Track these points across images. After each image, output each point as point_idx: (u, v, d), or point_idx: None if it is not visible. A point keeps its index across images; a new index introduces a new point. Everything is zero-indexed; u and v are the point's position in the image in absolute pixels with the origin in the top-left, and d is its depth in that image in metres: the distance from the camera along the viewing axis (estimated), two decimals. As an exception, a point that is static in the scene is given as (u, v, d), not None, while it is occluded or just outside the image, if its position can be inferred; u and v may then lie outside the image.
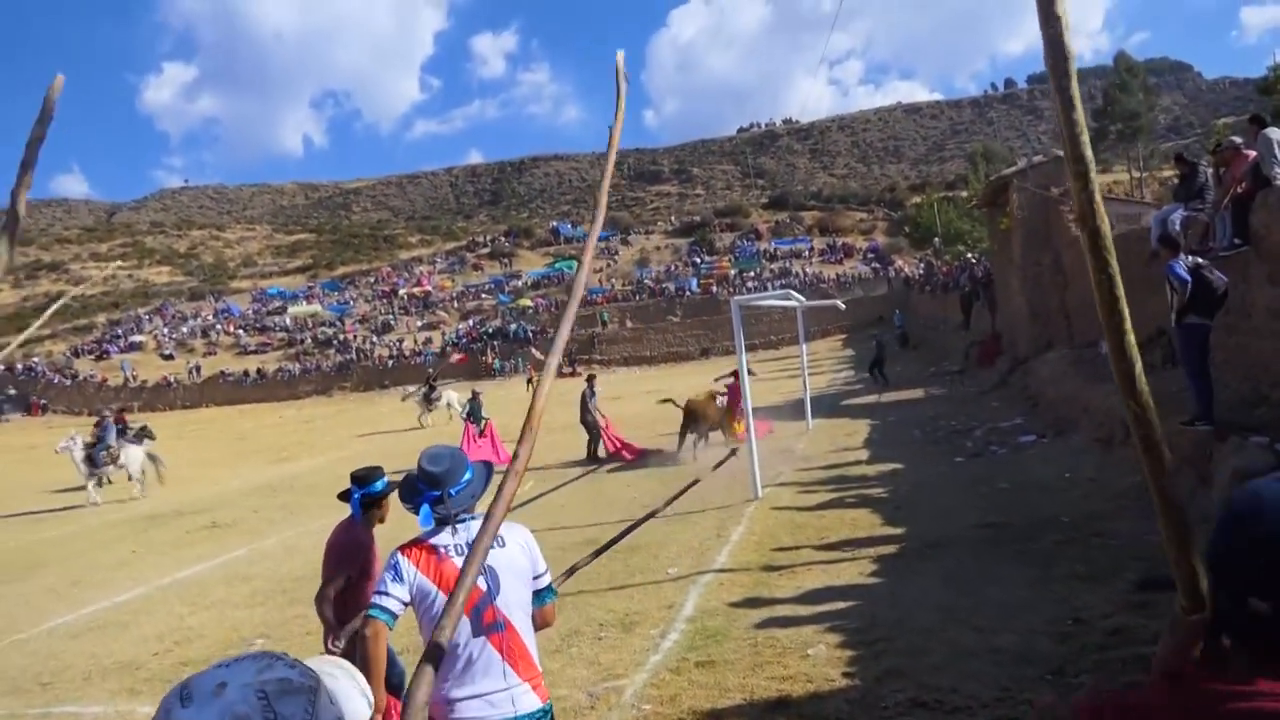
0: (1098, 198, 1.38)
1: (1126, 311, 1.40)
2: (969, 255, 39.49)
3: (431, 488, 3.00)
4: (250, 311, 70.19)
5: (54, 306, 5.18)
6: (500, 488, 2.03)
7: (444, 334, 58.00)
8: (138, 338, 64.91)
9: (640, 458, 15.84)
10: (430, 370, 29.73)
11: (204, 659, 6.96)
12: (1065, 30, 1.37)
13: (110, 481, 18.69)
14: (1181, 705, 1.13)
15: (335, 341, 59.64)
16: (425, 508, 3.00)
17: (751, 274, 59.11)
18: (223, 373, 55.15)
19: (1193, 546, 1.38)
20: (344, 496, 4.75)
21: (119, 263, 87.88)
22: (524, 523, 3.14)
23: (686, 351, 49.85)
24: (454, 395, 29.03)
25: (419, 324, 62.00)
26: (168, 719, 1.14)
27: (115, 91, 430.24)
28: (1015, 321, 20.08)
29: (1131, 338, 1.39)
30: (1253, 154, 9.30)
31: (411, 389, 30.57)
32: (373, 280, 75.96)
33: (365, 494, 4.64)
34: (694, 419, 15.31)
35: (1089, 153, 1.40)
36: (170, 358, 60.34)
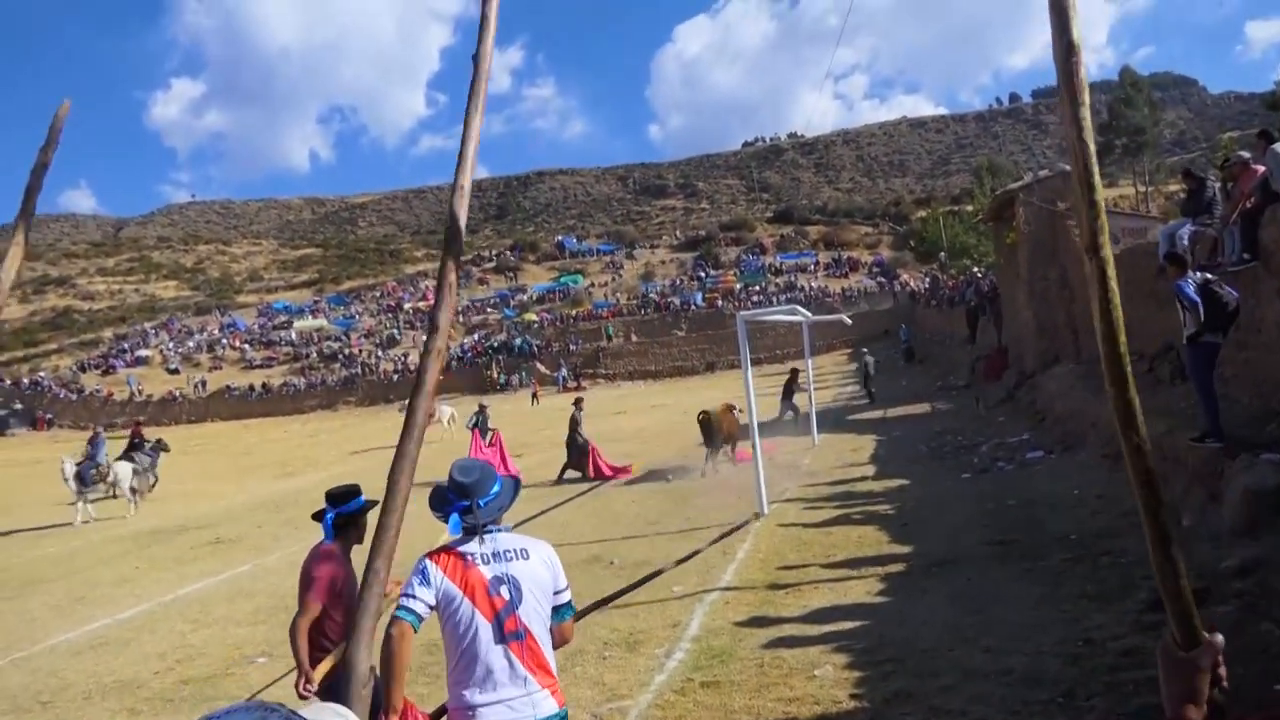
0: (1104, 223, 1.35)
1: (1125, 341, 1.37)
2: (975, 269, 39.40)
3: (461, 497, 3.09)
4: (256, 326, 70.36)
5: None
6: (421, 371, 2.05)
7: (449, 348, 58.00)
8: (144, 352, 65.07)
9: (620, 475, 15.81)
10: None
11: (204, 677, 6.91)
12: (1080, 62, 1.34)
13: (113, 495, 18.57)
14: None
15: (340, 356, 59.71)
16: (454, 516, 3.09)
17: (757, 288, 59.07)
18: (228, 387, 55.25)
19: (1186, 581, 1.34)
20: (318, 516, 4.43)
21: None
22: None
23: (691, 366, 49.78)
24: (450, 409, 29.00)
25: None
26: None
27: (123, 107, 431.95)
28: (1022, 336, 20.00)
29: (1129, 368, 1.36)
30: (1261, 169, 9.25)
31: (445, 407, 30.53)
32: (378, 295, 76.13)
33: (340, 514, 4.35)
34: (710, 431, 15.26)
35: (1098, 179, 1.36)
36: (176, 372, 60.47)
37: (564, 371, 49.07)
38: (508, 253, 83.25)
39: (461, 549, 3.04)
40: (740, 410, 15.84)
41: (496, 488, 3.18)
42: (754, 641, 6.25)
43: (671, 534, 10.43)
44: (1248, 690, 4.12)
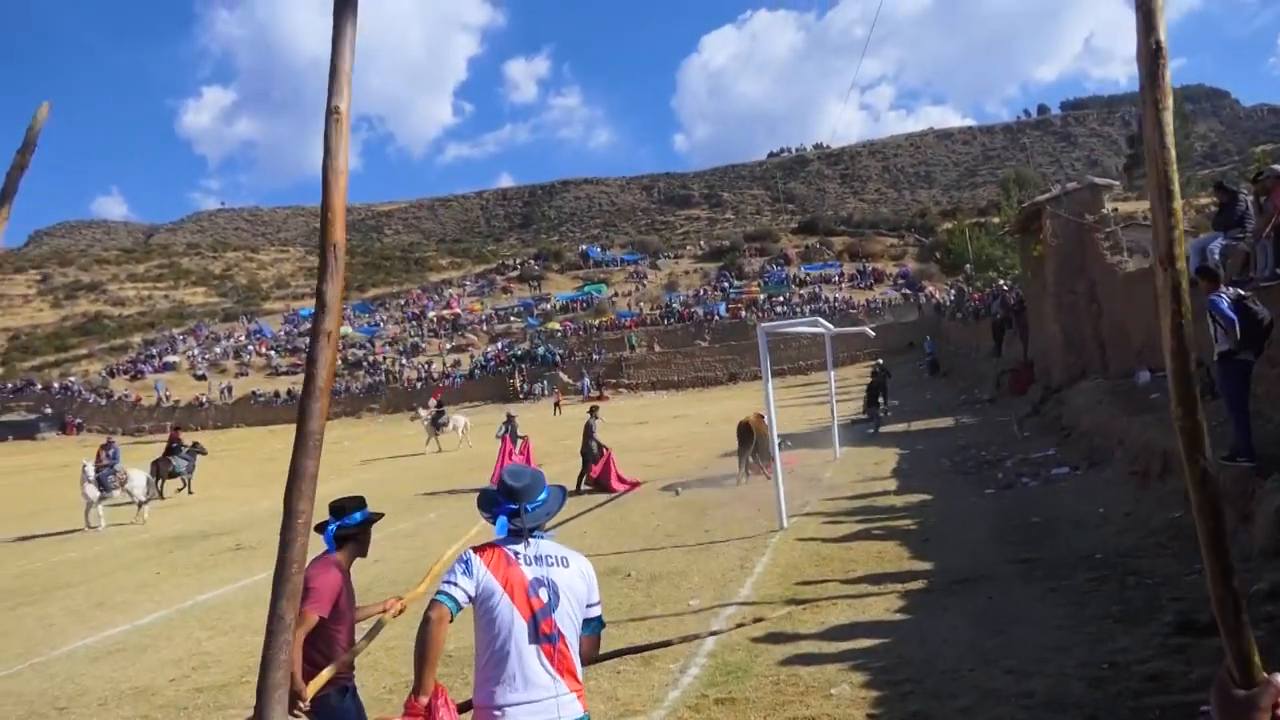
0: (1181, 235, 1.28)
1: (1195, 360, 1.29)
2: (1001, 282, 39.05)
3: (510, 500, 3.17)
4: (282, 333, 71.01)
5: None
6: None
7: (472, 356, 58.24)
8: (172, 358, 65.80)
9: (629, 489, 15.73)
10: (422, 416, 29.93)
11: (219, 685, 6.91)
12: (1166, 64, 1.27)
13: (148, 499, 18.63)
14: None
15: (365, 363, 60.07)
16: (502, 519, 3.16)
17: (780, 299, 58.93)
18: (254, 393, 55.71)
19: (1246, 617, 1.26)
20: (320, 528, 4.18)
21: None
22: None
23: (714, 376, 49.66)
24: (462, 419, 29.06)
25: (448, 346, 62.33)
26: None
27: (155, 116, 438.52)
28: (1048, 350, 19.77)
29: (1198, 389, 1.28)
30: (1294, 182, 9.08)
31: (422, 412, 30.67)
32: (403, 302, 76.60)
33: (341, 526, 4.18)
34: (746, 438, 15.28)
35: (1177, 187, 1.29)
36: (203, 378, 61.05)
37: (586, 381, 49.08)
38: (532, 261, 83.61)
39: (506, 547, 3.11)
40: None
41: (544, 495, 3.25)
42: (770, 658, 6.16)
43: (690, 547, 10.34)
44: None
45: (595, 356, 53.13)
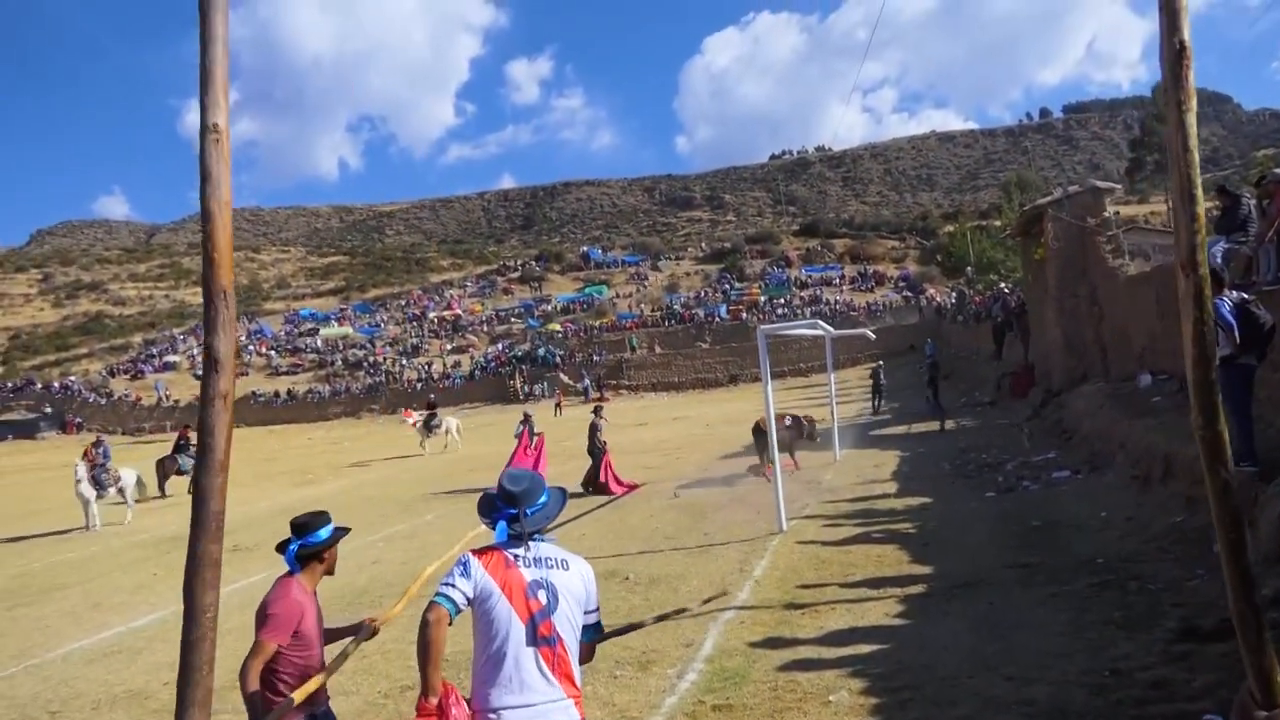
0: (1204, 239, 1.23)
1: (1217, 368, 1.24)
2: (1002, 285, 39.00)
3: (509, 505, 3.16)
4: (283, 333, 70.98)
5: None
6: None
7: (473, 357, 58.22)
8: (172, 358, 65.75)
9: (631, 491, 15.67)
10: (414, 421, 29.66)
11: (213, 690, 6.84)
12: (1190, 64, 1.23)
13: (137, 499, 18.61)
14: None
15: (365, 364, 60.06)
16: (501, 524, 3.15)
17: (781, 301, 58.89)
18: (254, 393, 55.68)
19: (1268, 635, 1.21)
20: (282, 548, 3.91)
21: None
22: None
23: (714, 378, 49.63)
24: (453, 421, 29.03)
25: (449, 347, 62.31)
26: None
27: (157, 115, 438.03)
28: (1049, 353, 19.71)
29: (1219, 398, 1.24)
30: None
31: (415, 414, 30.60)
32: (403, 303, 76.56)
33: (304, 545, 3.83)
34: (763, 438, 15.27)
35: (1199, 190, 1.25)
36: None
37: (587, 382, 49.04)
38: (533, 263, 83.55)
39: (506, 550, 3.09)
40: (797, 418, 16.68)
41: (544, 498, 3.23)
42: (768, 663, 6.11)
43: (689, 549, 10.29)
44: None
45: (596, 358, 53.10)
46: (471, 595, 2.98)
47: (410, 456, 27.59)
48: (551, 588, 3.02)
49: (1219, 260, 10.16)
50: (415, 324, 69.30)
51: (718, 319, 57.12)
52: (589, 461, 16.51)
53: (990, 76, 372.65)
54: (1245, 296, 7.67)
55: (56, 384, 60.94)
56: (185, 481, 22.72)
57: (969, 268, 53.23)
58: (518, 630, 2.94)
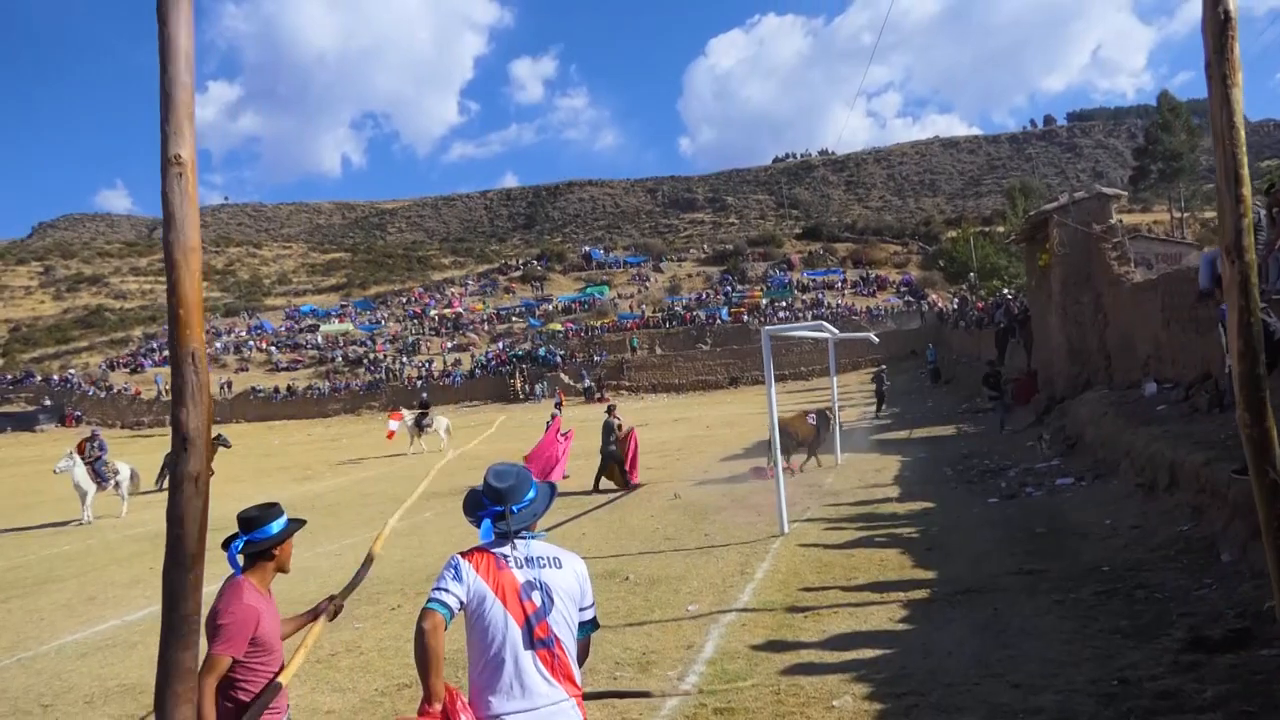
0: (1250, 223, 1.15)
1: (1265, 362, 1.16)
2: (1005, 291, 38.94)
3: (495, 503, 3.07)
4: (283, 329, 70.87)
5: None
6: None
7: (473, 356, 58.14)
8: (172, 352, 65.58)
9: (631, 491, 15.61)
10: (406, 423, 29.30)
11: None
12: (1235, 35, 1.14)
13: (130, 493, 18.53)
14: None
15: (365, 361, 59.99)
16: (487, 522, 3.07)
17: (783, 304, 58.78)
18: (254, 389, 55.63)
19: None
20: (226, 545, 3.48)
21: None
22: None
23: (715, 380, 49.55)
24: (444, 421, 28.95)
25: (449, 345, 62.24)
26: None
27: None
28: (1052, 360, 19.63)
29: (1267, 392, 1.16)
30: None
31: (406, 413, 30.42)
32: (404, 300, 76.46)
33: (250, 542, 3.45)
34: (785, 436, 15.20)
35: (1245, 171, 1.17)
36: (203, 372, 60.87)
37: (588, 383, 48.96)
38: (535, 262, 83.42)
39: (494, 550, 3.01)
40: (820, 413, 16.95)
41: (531, 494, 3.14)
42: (770, 667, 6.04)
43: (689, 550, 10.21)
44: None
45: (596, 358, 53.02)
46: (464, 598, 2.91)
47: (414, 455, 27.49)
48: (545, 588, 2.96)
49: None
50: (416, 322, 69.23)
51: (719, 321, 57.01)
52: (596, 460, 16.44)
53: (995, 82, 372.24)
54: (1256, 303, 7.59)
55: (56, 377, 60.82)
56: None
57: (971, 273, 53.24)
58: (514, 634, 2.88)
